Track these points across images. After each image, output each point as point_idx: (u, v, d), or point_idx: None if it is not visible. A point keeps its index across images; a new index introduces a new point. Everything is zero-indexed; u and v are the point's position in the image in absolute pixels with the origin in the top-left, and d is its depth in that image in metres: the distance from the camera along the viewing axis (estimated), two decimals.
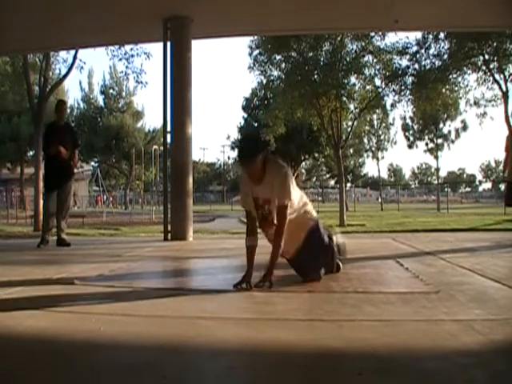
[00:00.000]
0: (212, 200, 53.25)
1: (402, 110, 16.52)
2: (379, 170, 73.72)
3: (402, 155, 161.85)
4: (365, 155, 39.03)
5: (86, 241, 7.92)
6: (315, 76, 13.74)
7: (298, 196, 3.03)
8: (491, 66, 14.19)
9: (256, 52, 14.58)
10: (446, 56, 13.80)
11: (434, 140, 32.27)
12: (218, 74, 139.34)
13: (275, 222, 2.93)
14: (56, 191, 6.00)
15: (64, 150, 5.92)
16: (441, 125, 31.20)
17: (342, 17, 7.43)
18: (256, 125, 25.91)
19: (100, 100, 36.67)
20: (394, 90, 14.28)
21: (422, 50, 13.79)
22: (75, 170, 6.52)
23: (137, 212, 22.38)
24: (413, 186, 74.58)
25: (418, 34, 13.78)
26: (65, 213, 6.09)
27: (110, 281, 3.31)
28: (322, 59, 13.90)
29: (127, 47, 11.29)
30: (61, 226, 6.02)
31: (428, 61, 13.97)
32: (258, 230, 3.10)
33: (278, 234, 2.92)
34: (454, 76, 14.20)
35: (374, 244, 5.94)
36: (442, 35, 13.55)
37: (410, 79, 14.01)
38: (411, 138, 33.95)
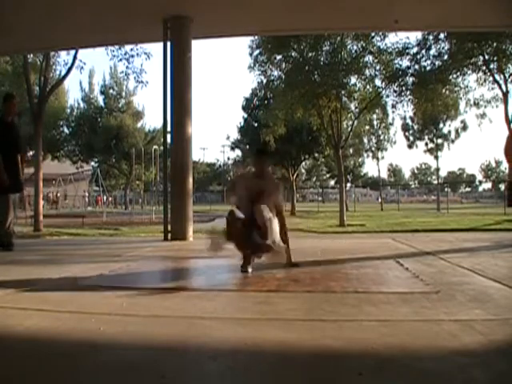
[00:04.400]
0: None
1: (402, 111, 16.72)
2: (379, 170, 73.50)
3: (402, 155, 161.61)
4: (365, 155, 38.98)
5: (86, 241, 7.92)
6: (315, 76, 13.74)
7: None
8: (491, 67, 14.18)
9: (256, 52, 14.60)
10: (446, 56, 13.80)
11: (434, 140, 32.24)
12: (218, 74, 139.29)
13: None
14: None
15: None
16: (441, 125, 31.17)
17: (342, 17, 7.43)
18: (256, 125, 25.88)
19: (100, 100, 36.63)
20: (394, 90, 14.28)
21: (423, 51, 13.79)
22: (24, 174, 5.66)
23: (137, 212, 22.38)
24: (413, 186, 74.56)
25: (419, 35, 13.80)
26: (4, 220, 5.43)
27: (110, 281, 3.31)
28: (322, 59, 13.90)
29: (127, 47, 11.28)
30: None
31: (428, 61, 13.98)
32: None
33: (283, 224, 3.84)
34: (454, 76, 14.20)
35: (374, 244, 5.94)
36: (442, 36, 13.55)
37: (410, 80, 14.01)
38: (411, 138, 33.92)
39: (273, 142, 18.36)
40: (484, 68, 14.20)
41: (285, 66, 14.50)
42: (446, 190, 44.29)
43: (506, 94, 14.60)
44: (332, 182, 56.58)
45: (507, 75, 14.41)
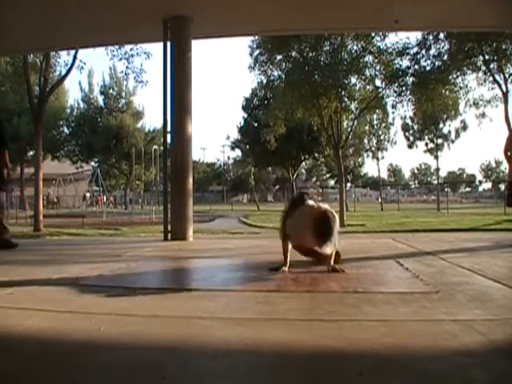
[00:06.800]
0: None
1: (402, 111, 16.61)
2: (379, 170, 73.66)
3: (402, 155, 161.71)
4: (365, 155, 39.03)
5: (86, 241, 7.92)
6: (315, 76, 13.75)
7: None
8: (491, 67, 14.20)
9: (256, 52, 14.62)
10: (446, 56, 13.82)
11: (434, 140, 32.29)
12: (218, 74, 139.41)
13: None
14: None
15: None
16: (441, 125, 31.19)
17: (342, 17, 7.43)
18: (256, 125, 25.91)
19: (100, 100, 36.65)
20: (394, 90, 14.30)
21: (423, 51, 13.80)
22: (7, 175, 5.57)
23: (137, 212, 22.39)
24: (413, 186, 74.61)
25: (419, 35, 13.82)
26: None
27: (110, 281, 3.31)
28: (322, 59, 13.91)
29: (127, 47, 11.31)
30: None
31: (428, 61, 14.00)
32: None
33: None
34: (454, 76, 14.22)
35: (373, 244, 5.93)
36: (442, 36, 13.57)
37: (410, 80, 14.02)
38: (411, 138, 33.97)
39: (273, 141, 18.36)
40: (484, 68, 14.23)
41: (285, 65, 14.52)
42: (445, 190, 44.32)
43: (505, 94, 14.63)
44: (332, 182, 56.59)
45: (507, 75, 14.44)
